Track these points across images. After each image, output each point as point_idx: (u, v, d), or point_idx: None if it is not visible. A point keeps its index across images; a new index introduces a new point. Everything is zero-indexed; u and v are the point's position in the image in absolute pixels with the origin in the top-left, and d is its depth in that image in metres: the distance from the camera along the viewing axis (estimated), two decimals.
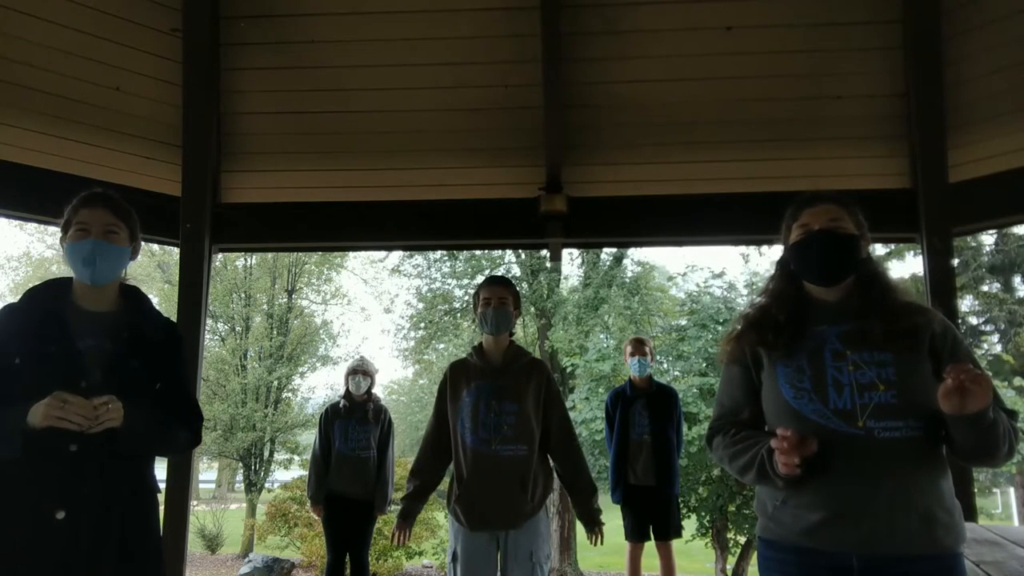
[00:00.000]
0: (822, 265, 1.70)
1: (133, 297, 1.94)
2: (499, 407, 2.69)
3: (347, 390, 4.77)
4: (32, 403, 1.61)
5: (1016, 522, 15.78)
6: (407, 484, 2.86)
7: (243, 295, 14.93)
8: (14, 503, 1.66)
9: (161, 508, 1.94)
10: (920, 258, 3.97)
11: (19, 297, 1.85)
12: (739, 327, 1.79)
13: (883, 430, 1.53)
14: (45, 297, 1.83)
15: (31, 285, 1.90)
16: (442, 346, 15.86)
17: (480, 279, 3.46)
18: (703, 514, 7.63)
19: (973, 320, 14.18)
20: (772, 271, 1.85)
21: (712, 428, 1.82)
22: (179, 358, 1.98)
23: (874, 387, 1.56)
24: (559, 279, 12.72)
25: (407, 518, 2.83)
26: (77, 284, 1.86)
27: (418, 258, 14.05)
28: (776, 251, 1.86)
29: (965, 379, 1.38)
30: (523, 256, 12.83)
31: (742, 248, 11.61)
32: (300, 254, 14.68)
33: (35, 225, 15.57)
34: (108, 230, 1.84)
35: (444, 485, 2.98)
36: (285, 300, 15.40)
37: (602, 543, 2.85)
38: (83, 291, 1.85)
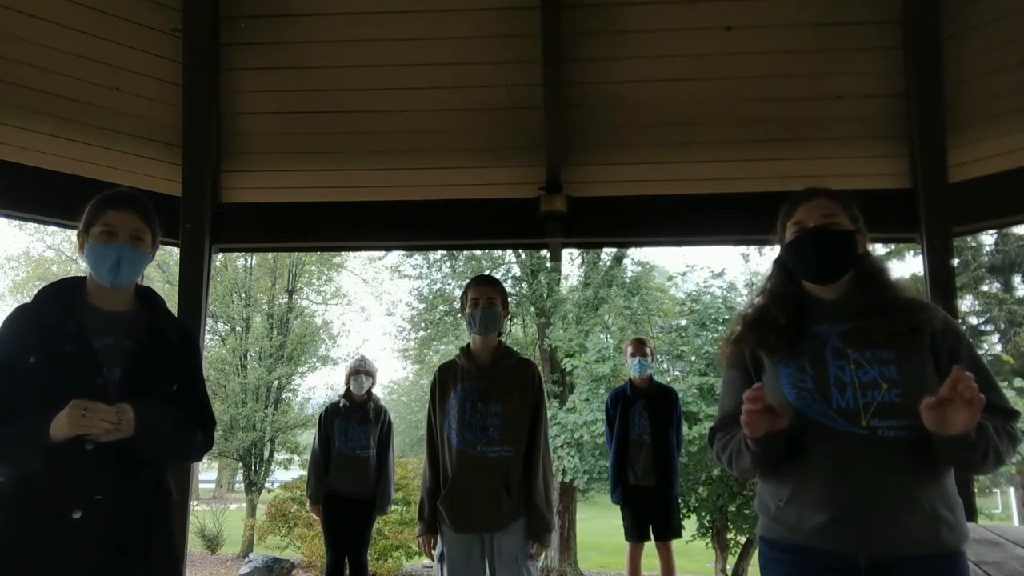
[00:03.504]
0: (818, 263, 1.68)
1: (149, 298, 1.91)
2: (484, 408, 2.66)
3: (347, 389, 4.77)
4: (50, 405, 1.59)
5: (1016, 522, 15.78)
6: (422, 504, 2.78)
7: (243, 295, 14.93)
8: (32, 503, 1.64)
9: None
10: (920, 258, 3.97)
11: (32, 297, 1.82)
12: (738, 329, 1.78)
13: (886, 429, 1.52)
14: (58, 296, 1.79)
15: (42, 285, 1.85)
16: (443, 347, 15.87)
17: None
18: (703, 514, 7.62)
19: (973, 320, 14.17)
20: (770, 271, 1.84)
21: (712, 429, 1.83)
22: (195, 362, 1.96)
23: (877, 386, 1.55)
24: (559, 279, 12.72)
25: (430, 533, 2.76)
26: (92, 284, 1.82)
27: (418, 258, 14.07)
28: (776, 251, 1.85)
29: (962, 392, 1.36)
30: (523, 256, 12.83)
31: (742, 248, 11.63)
32: (300, 254, 14.68)
33: (35, 225, 15.58)
34: (136, 236, 1.80)
35: None
36: (285, 300, 15.39)
37: (542, 560, 2.79)
38: (98, 292, 1.81)
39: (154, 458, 1.78)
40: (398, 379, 25.91)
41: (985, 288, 14.23)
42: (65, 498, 1.64)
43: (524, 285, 12.76)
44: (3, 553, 1.61)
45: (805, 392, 1.60)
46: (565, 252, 10.54)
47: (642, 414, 4.62)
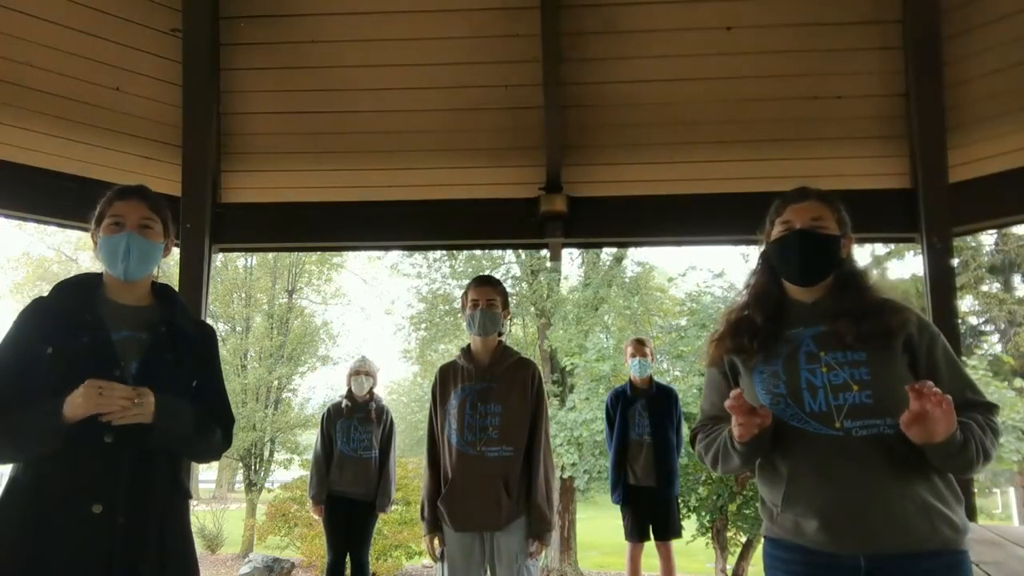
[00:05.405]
0: (800, 264, 1.69)
1: (166, 295, 1.90)
2: (484, 409, 2.67)
3: (349, 390, 4.78)
4: (65, 396, 1.57)
5: (1016, 522, 15.79)
6: (423, 505, 2.78)
7: (243, 295, 14.93)
8: (51, 497, 1.61)
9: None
10: (920, 258, 3.97)
11: (48, 291, 1.80)
12: (720, 330, 1.80)
13: (860, 429, 1.54)
14: (76, 290, 1.79)
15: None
16: (443, 347, 15.87)
17: None
18: (703, 514, 7.62)
19: (973, 320, 14.17)
20: (756, 264, 1.85)
21: (693, 429, 1.86)
22: (214, 358, 1.94)
23: (847, 388, 1.57)
24: (559, 279, 12.73)
25: (435, 532, 2.76)
26: (108, 279, 1.81)
27: (418, 258, 14.06)
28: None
29: (928, 403, 1.37)
30: (523, 256, 12.84)
31: (742, 248, 11.61)
32: (300, 254, 14.67)
33: (35, 225, 15.56)
34: (143, 224, 1.80)
35: None
36: (285, 300, 15.40)
37: (542, 559, 2.79)
38: (115, 286, 1.81)
39: (171, 449, 1.75)
40: (398, 379, 25.92)
41: (985, 288, 14.22)
42: (84, 491, 1.62)
43: (524, 285, 12.77)
44: (24, 547, 1.59)
45: (779, 398, 1.62)
46: (565, 252, 10.54)
47: (642, 414, 4.62)
